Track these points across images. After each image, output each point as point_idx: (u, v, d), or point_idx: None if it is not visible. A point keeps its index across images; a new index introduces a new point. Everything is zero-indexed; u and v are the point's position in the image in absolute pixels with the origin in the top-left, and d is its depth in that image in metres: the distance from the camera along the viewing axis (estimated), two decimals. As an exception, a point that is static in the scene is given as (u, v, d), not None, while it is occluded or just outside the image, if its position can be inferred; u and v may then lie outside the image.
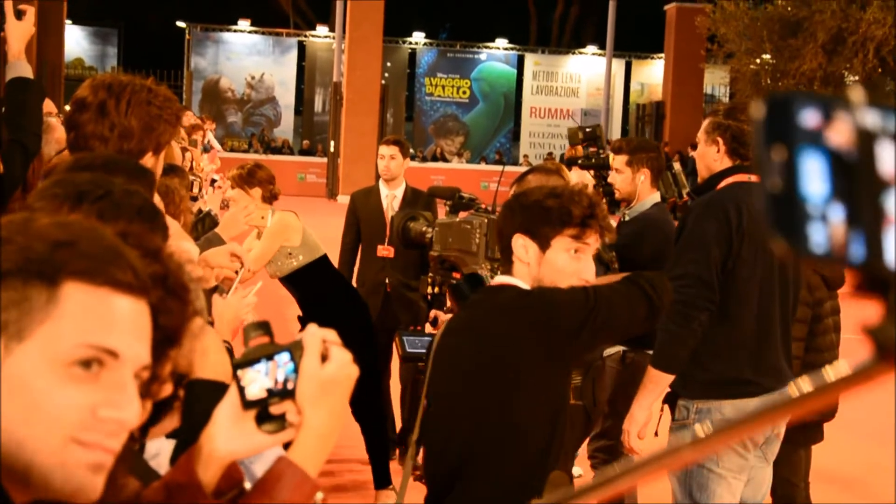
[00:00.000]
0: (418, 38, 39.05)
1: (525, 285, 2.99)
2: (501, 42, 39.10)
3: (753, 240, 3.83)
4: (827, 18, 22.13)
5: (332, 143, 29.68)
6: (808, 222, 0.70)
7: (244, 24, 37.27)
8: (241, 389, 1.46)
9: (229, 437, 1.48)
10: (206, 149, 13.85)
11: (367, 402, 5.75)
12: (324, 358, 1.49)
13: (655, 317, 3.13)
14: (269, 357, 1.46)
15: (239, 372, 1.46)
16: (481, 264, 3.62)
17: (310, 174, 31.72)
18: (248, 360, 1.46)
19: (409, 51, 39.08)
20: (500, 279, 3.07)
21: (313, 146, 35.37)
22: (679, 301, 3.80)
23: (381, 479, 6.05)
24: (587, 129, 5.63)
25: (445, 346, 3.06)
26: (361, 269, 6.72)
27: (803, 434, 4.68)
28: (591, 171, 5.60)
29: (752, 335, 3.90)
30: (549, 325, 2.90)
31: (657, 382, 3.91)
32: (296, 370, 1.47)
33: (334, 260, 6.26)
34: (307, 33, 38.37)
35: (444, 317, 3.83)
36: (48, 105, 4.13)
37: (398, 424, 6.60)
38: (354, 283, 6.50)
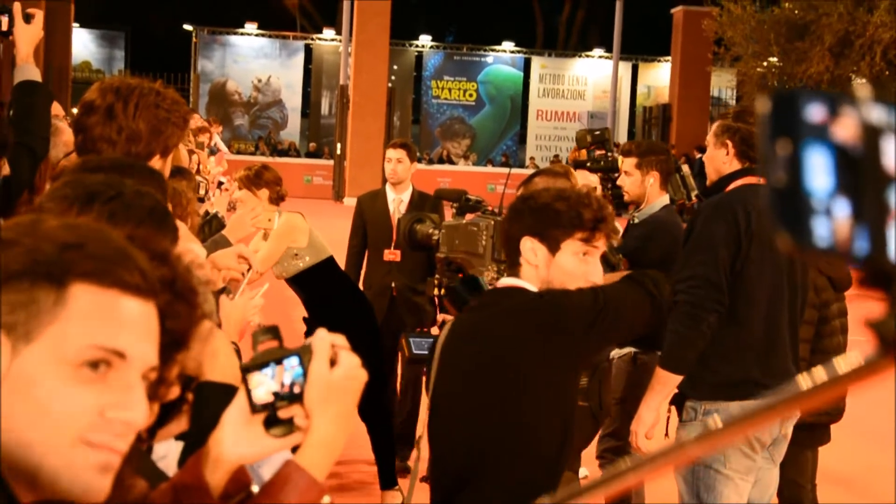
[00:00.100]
0: (425, 40, 39.07)
1: (533, 288, 2.99)
2: (508, 45, 39.10)
3: (762, 242, 3.83)
4: (834, 21, 22.10)
5: (338, 145, 29.70)
6: (813, 216, 0.70)
7: (251, 27, 37.30)
8: (250, 393, 1.46)
9: (237, 440, 1.48)
10: (213, 151, 13.87)
11: (373, 403, 5.75)
12: (333, 362, 1.49)
13: (658, 315, 3.15)
14: (278, 361, 1.47)
15: (248, 376, 1.46)
16: (488, 266, 3.62)
17: (316, 176, 31.75)
18: (257, 364, 1.46)
19: (416, 54, 39.10)
20: (508, 281, 3.07)
21: (320, 149, 35.38)
22: (687, 302, 3.81)
23: (387, 480, 6.05)
24: (596, 133, 5.63)
25: (453, 349, 3.05)
26: (368, 273, 6.71)
27: (810, 435, 4.67)
28: (599, 174, 5.61)
29: (761, 337, 3.90)
30: (561, 329, 2.90)
31: (665, 383, 3.92)
32: (304, 374, 1.47)
33: (341, 262, 6.26)
34: (314, 36, 38.39)
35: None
36: (56, 108, 4.14)
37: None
38: (361, 286, 6.50)
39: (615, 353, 5.15)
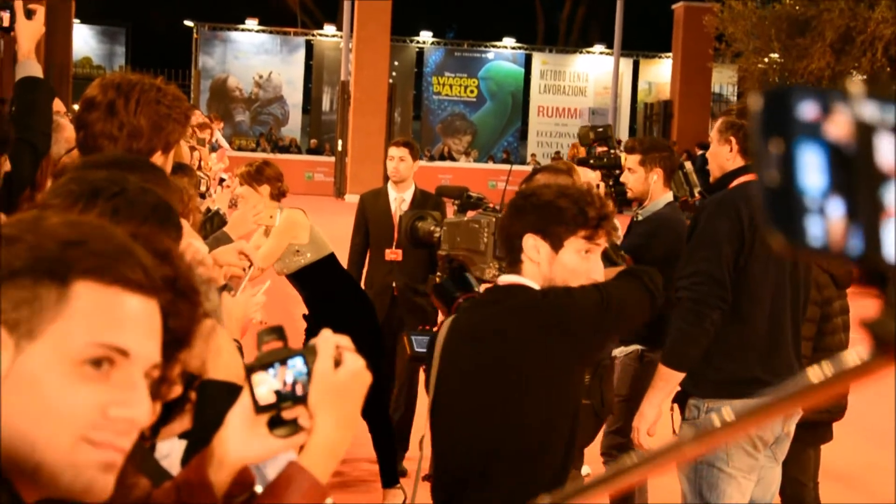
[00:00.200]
0: (426, 37, 39.06)
1: (535, 285, 2.99)
2: (509, 41, 39.09)
3: (765, 238, 3.82)
4: (835, 17, 22.07)
5: (339, 142, 29.70)
6: (806, 216, 0.69)
7: (252, 23, 37.31)
8: (254, 393, 1.46)
9: (242, 441, 1.48)
10: (215, 148, 13.87)
11: (374, 401, 5.75)
12: (337, 363, 1.48)
13: (655, 310, 3.17)
14: (283, 362, 1.46)
15: (252, 376, 1.46)
16: (489, 263, 3.61)
17: (317, 173, 31.75)
18: (262, 365, 1.46)
19: (417, 50, 39.09)
20: (509, 279, 3.06)
21: (321, 145, 35.39)
22: (691, 299, 3.81)
23: (389, 478, 6.05)
24: (599, 129, 5.63)
25: (455, 348, 3.04)
26: (369, 272, 6.70)
27: (812, 433, 4.67)
28: (600, 171, 5.60)
29: (764, 334, 3.90)
30: (566, 328, 2.90)
31: (668, 380, 3.92)
32: (309, 375, 1.47)
33: (342, 259, 6.25)
34: (315, 32, 38.40)
35: None
36: (57, 104, 4.13)
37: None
38: (363, 285, 6.49)
39: (621, 350, 5.15)
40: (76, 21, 33.40)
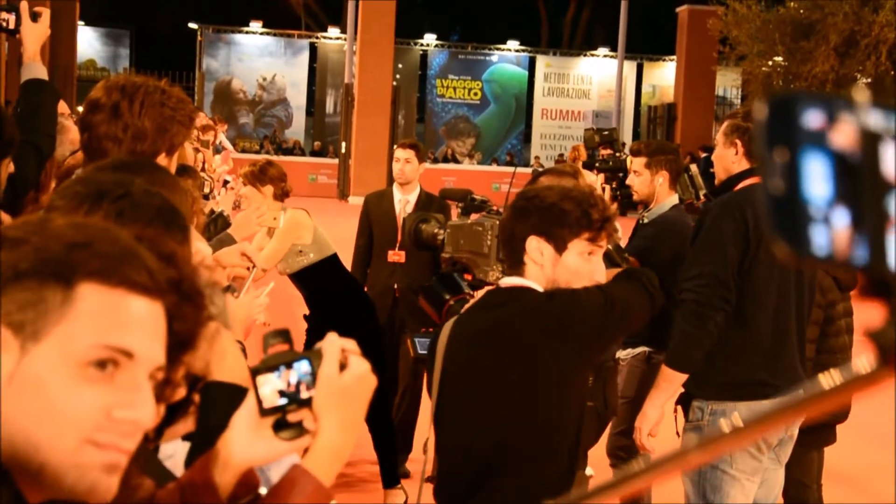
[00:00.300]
0: (430, 39, 39.08)
1: (538, 287, 2.99)
2: (513, 44, 39.10)
3: (770, 241, 3.83)
4: (839, 21, 22.07)
5: (343, 144, 29.71)
6: (811, 225, 0.69)
7: (256, 25, 37.33)
8: (259, 396, 1.46)
9: (246, 443, 1.48)
10: (219, 150, 13.88)
11: (374, 402, 5.74)
12: (342, 367, 1.49)
13: (654, 311, 3.18)
14: (288, 364, 1.47)
15: (257, 378, 1.46)
16: (493, 266, 3.61)
17: (321, 175, 31.75)
18: (267, 367, 1.46)
19: (421, 52, 39.10)
20: (513, 281, 3.05)
21: (324, 147, 35.40)
22: (695, 301, 3.82)
23: (390, 479, 6.05)
24: (604, 133, 5.62)
25: (459, 350, 3.03)
26: (372, 273, 6.67)
27: (816, 436, 4.67)
28: (603, 174, 5.61)
29: (769, 337, 3.90)
30: (572, 331, 2.91)
31: (671, 381, 3.93)
32: (314, 378, 1.47)
33: (345, 260, 6.25)
34: (319, 35, 38.41)
35: None
36: (61, 106, 4.14)
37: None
38: (365, 287, 6.47)
39: (627, 352, 5.15)
40: (80, 23, 33.47)
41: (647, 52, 38.75)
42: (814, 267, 0.78)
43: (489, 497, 2.92)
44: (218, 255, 3.39)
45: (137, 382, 1.23)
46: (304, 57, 37.73)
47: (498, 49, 39.14)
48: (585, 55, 39.50)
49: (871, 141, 0.70)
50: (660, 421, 4.03)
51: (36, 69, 3.72)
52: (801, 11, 23.55)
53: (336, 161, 30.99)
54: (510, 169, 31.63)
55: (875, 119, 0.71)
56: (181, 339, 1.36)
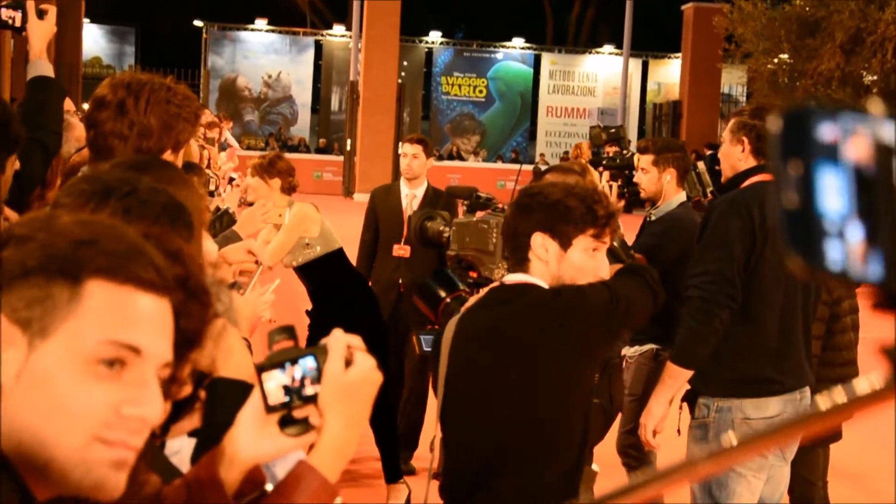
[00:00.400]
0: (435, 37, 39.06)
1: (543, 283, 2.99)
2: (518, 41, 39.08)
3: (776, 239, 3.83)
4: (845, 18, 22.01)
5: (348, 141, 29.72)
6: (825, 239, 0.69)
7: (261, 23, 37.34)
8: (265, 393, 1.46)
9: (252, 440, 1.48)
10: (224, 147, 13.89)
11: (377, 398, 5.73)
12: (348, 363, 1.49)
13: (656, 307, 3.19)
14: (294, 361, 1.47)
15: (263, 375, 1.46)
16: (498, 264, 3.61)
17: (326, 172, 31.76)
18: (272, 364, 1.46)
19: (426, 50, 39.09)
20: (518, 277, 3.05)
21: (330, 144, 35.41)
22: (701, 298, 3.82)
23: (392, 474, 6.04)
24: (611, 130, 5.62)
25: (465, 347, 3.03)
26: (377, 267, 6.65)
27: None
28: (608, 171, 5.60)
29: (775, 334, 3.90)
30: (579, 327, 2.91)
31: (676, 378, 3.93)
32: (319, 374, 1.47)
33: (350, 257, 6.24)
34: (324, 32, 38.41)
35: None
36: (67, 103, 4.14)
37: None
38: (370, 282, 6.47)
39: (635, 349, 5.14)
40: (86, 21, 33.47)
41: (653, 50, 38.71)
42: (827, 281, 0.77)
43: (493, 494, 2.92)
44: (224, 252, 3.39)
45: (145, 379, 1.24)
46: (310, 54, 37.73)
47: (503, 46, 39.12)
48: (590, 53, 39.47)
49: (885, 154, 0.70)
50: (665, 417, 4.02)
51: (42, 66, 3.72)
52: (807, 9, 23.49)
53: (341, 158, 31.00)
54: (515, 166, 31.64)
55: (889, 132, 0.70)
56: (187, 337, 1.36)
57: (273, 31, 37.54)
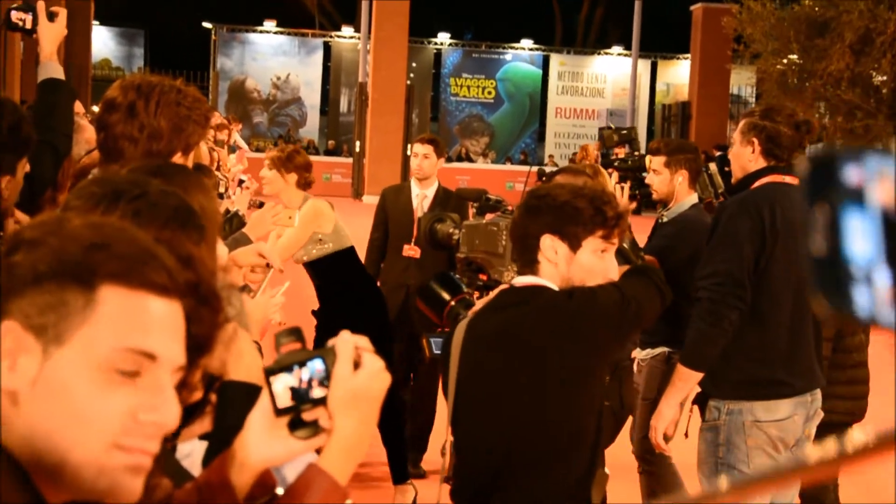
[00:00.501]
0: (443, 38, 39.06)
1: (553, 285, 2.99)
2: (527, 42, 39.05)
3: (786, 240, 3.83)
4: (854, 18, 21.96)
5: (357, 143, 29.72)
6: (853, 284, 0.68)
7: (270, 24, 37.37)
8: (273, 396, 1.46)
9: (262, 444, 1.48)
10: (234, 149, 13.91)
11: (384, 399, 5.71)
12: (356, 365, 1.48)
13: (664, 308, 3.18)
14: (302, 364, 1.46)
15: (271, 378, 1.46)
16: (507, 266, 3.61)
17: (335, 174, 31.77)
18: (281, 367, 1.46)
19: (435, 51, 39.09)
20: (528, 280, 3.05)
21: (339, 146, 35.42)
22: (709, 299, 3.81)
23: (399, 475, 6.04)
24: (623, 132, 5.60)
25: (476, 350, 3.03)
26: (385, 268, 6.63)
27: (833, 435, 4.65)
28: (617, 173, 5.59)
29: (785, 335, 3.89)
30: (591, 329, 2.91)
31: (686, 380, 3.92)
32: (328, 377, 1.47)
33: (360, 258, 6.23)
34: (333, 34, 38.43)
35: None
36: (76, 106, 4.15)
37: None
38: (378, 282, 6.45)
39: (647, 352, 5.12)
40: (95, 23, 33.56)
41: (662, 51, 38.66)
42: (855, 326, 0.76)
43: (506, 497, 2.92)
44: (234, 255, 3.39)
45: (161, 384, 1.23)
46: (318, 56, 37.75)
47: (512, 48, 39.10)
48: (599, 53, 39.43)
49: None
50: (676, 420, 4.02)
51: (53, 69, 3.73)
52: (816, 9, 23.44)
53: (350, 160, 31.00)
54: (524, 168, 31.62)
55: None
56: (198, 343, 1.36)
57: (281, 32, 37.57)
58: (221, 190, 6.53)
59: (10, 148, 3.15)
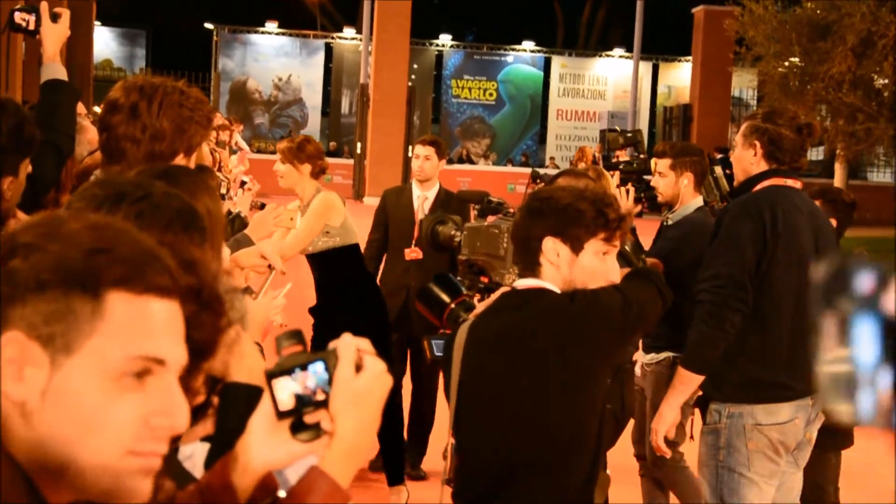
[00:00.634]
0: (445, 40, 39.06)
1: (555, 288, 2.99)
2: (528, 44, 39.05)
3: (788, 242, 3.84)
4: (856, 21, 21.98)
5: (358, 144, 29.73)
6: (859, 389, 0.72)
7: (271, 25, 37.37)
8: (275, 399, 1.46)
9: (264, 446, 1.48)
10: (235, 150, 13.91)
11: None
12: (358, 367, 1.48)
13: (664, 311, 3.18)
14: (303, 366, 1.46)
15: (273, 381, 1.46)
16: (509, 268, 3.61)
17: (336, 175, 31.73)
18: (282, 370, 1.45)
19: (436, 53, 39.09)
20: (530, 282, 3.05)
21: (340, 148, 35.43)
22: (711, 302, 3.81)
23: (394, 477, 6.04)
24: (628, 134, 5.58)
25: (478, 353, 3.03)
26: (386, 269, 6.63)
27: (834, 439, 4.65)
28: (618, 175, 5.58)
29: (787, 338, 3.89)
30: (590, 331, 2.91)
31: (687, 383, 3.92)
32: (330, 379, 1.47)
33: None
34: (334, 35, 38.43)
35: None
36: (78, 106, 4.15)
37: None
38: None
39: (652, 357, 5.12)
40: (97, 23, 33.55)
41: (663, 53, 38.66)
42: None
43: (508, 500, 2.91)
44: (236, 257, 3.39)
45: (171, 388, 1.24)
46: (320, 57, 37.75)
47: (513, 49, 39.09)
48: (601, 56, 39.43)
49: None
50: (676, 423, 4.02)
51: (56, 69, 3.73)
52: (818, 12, 23.47)
53: (351, 161, 31.01)
54: (526, 170, 31.60)
55: None
56: (200, 347, 1.36)
57: (283, 33, 37.57)
58: (223, 191, 6.53)
59: (13, 149, 3.15)
